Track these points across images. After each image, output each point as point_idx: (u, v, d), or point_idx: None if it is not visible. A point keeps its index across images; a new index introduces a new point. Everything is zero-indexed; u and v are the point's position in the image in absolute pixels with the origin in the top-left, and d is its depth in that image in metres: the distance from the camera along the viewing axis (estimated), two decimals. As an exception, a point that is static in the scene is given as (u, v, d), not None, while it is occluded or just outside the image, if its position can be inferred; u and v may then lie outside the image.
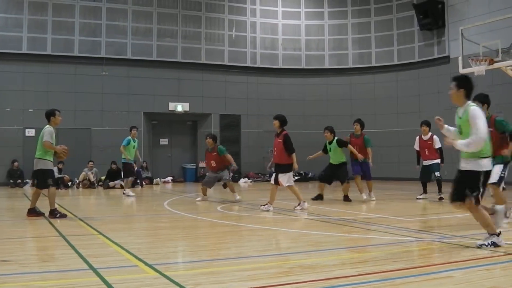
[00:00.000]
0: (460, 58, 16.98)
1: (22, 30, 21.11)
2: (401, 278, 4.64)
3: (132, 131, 15.36)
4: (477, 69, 16.09)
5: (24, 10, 21.14)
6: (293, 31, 25.61)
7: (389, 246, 6.48)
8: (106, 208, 12.83)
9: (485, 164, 5.95)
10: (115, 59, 22.25)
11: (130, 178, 15.66)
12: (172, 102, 23.22)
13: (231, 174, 13.32)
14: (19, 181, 19.83)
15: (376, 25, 24.85)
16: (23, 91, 20.94)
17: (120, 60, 22.37)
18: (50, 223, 8.65)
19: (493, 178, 7.62)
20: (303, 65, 25.45)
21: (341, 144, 12.51)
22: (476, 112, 5.95)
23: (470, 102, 6.15)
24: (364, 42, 25.17)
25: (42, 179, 9.46)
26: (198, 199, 13.32)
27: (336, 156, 12.60)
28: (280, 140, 10.73)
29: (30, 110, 20.88)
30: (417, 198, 12.92)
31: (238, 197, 12.74)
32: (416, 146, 13.18)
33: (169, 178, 23.08)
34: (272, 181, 10.88)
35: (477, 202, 5.98)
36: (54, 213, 9.28)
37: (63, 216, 9.34)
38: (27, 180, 19.96)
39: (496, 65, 15.95)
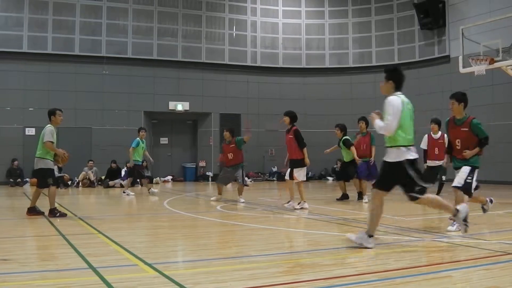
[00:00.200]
0: (460, 58, 16.97)
1: (22, 29, 21.10)
2: (400, 278, 4.64)
3: (141, 132, 15.47)
4: (478, 69, 16.08)
5: (24, 9, 21.14)
6: (293, 30, 25.61)
7: (389, 246, 6.48)
8: (106, 207, 12.83)
9: (403, 153, 5.97)
10: (115, 58, 22.25)
11: (144, 179, 15.76)
12: (172, 101, 23.21)
13: (245, 177, 13.15)
14: (19, 180, 19.83)
15: (377, 24, 24.84)
16: (24, 90, 20.94)
17: (120, 59, 22.37)
18: (50, 222, 8.66)
19: (457, 181, 7.47)
20: (303, 64, 25.44)
21: (346, 144, 12.55)
22: (392, 101, 5.99)
23: (397, 93, 6.13)
24: (365, 41, 25.16)
25: (42, 178, 9.48)
26: (212, 198, 13.07)
27: (346, 153, 12.66)
28: (291, 136, 10.89)
29: (30, 109, 20.88)
30: None
31: (242, 201, 12.49)
32: (424, 145, 12.64)
33: (169, 177, 23.09)
34: (287, 177, 10.97)
35: (423, 192, 6.03)
36: (54, 212, 9.29)
37: (63, 215, 9.35)
38: (27, 179, 19.98)
39: (496, 65, 15.93)
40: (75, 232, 7.65)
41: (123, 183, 17.94)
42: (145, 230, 8.44)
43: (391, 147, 6.05)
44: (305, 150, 10.78)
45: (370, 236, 6.03)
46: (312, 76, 25.35)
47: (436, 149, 12.36)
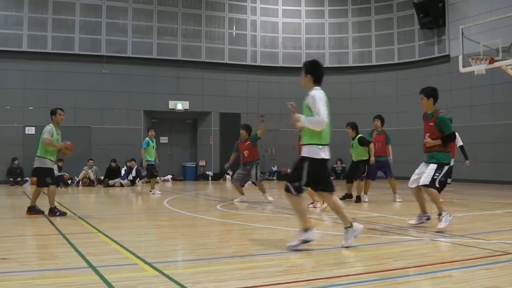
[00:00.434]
0: (460, 57, 16.97)
1: (22, 28, 21.10)
2: (400, 277, 4.64)
3: (150, 132, 15.61)
4: (477, 68, 16.07)
5: (24, 8, 21.13)
6: (293, 29, 25.61)
7: (388, 245, 6.48)
8: (105, 207, 12.83)
9: (313, 151, 5.91)
10: (115, 57, 22.25)
11: (153, 178, 15.83)
12: (172, 100, 23.21)
13: (259, 174, 12.86)
14: (19, 179, 19.83)
15: (377, 23, 24.84)
16: (23, 89, 20.94)
17: (120, 58, 22.37)
18: (50, 221, 8.66)
19: (425, 180, 7.40)
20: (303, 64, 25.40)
21: (363, 143, 12.26)
22: (317, 95, 5.92)
23: (315, 87, 6.07)
24: (365, 40, 25.16)
25: (41, 178, 9.53)
26: (236, 200, 12.50)
27: (357, 153, 12.38)
28: None
29: (30, 108, 20.88)
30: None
31: (270, 198, 12.22)
32: None
33: (169, 177, 23.09)
34: None
35: (298, 191, 5.90)
36: (53, 211, 9.30)
37: (63, 214, 9.35)
38: (27, 178, 19.98)
39: (496, 64, 15.93)
40: (75, 231, 7.65)
41: (122, 183, 17.96)
42: (145, 229, 8.44)
43: (310, 144, 5.95)
44: None
45: (305, 230, 5.96)
46: (312, 75, 25.32)
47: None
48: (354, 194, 12.47)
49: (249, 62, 24.74)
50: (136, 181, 19.86)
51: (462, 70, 16.97)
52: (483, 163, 19.22)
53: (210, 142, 24.03)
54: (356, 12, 25.35)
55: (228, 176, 23.68)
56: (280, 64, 25.24)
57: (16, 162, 20.08)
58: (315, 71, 6.17)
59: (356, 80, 24.96)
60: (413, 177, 7.77)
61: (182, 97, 23.40)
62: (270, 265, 5.22)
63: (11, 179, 19.75)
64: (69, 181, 19.36)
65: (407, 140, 21.10)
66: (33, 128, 20.09)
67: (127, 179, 19.67)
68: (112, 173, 19.76)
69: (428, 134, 7.73)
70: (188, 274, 4.82)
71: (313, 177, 5.91)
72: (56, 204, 9.57)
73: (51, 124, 9.63)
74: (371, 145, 12.25)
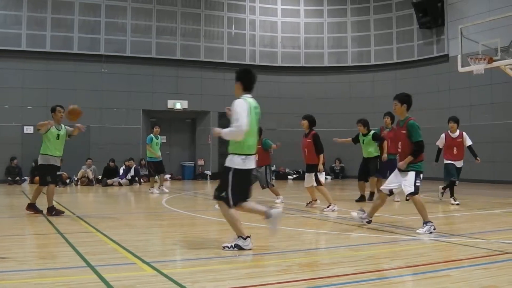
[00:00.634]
0: (459, 57, 16.97)
1: (21, 27, 21.06)
2: (399, 277, 4.65)
3: (155, 129, 15.65)
4: (476, 68, 16.07)
5: (23, 7, 21.10)
6: (292, 29, 25.60)
7: (387, 245, 6.48)
8: (104, 206, 12.83)
9: (236, 161, 5.88)
10: (114, 56, 22.22)
11: (162, 174, 15.89)
12: (171, 100, 23.19)
13: (270, 177, 12.64)
14: (18, 178, 19.81)
15: (376, 23, 24.84)
16: (22, 88, 20.91)
17: (119, 57, 22.33)
18: (48, 220, 8.66)
19: (409, 188, 7.36)
20: (302, 63, 25.44)
21: (378, 139, 12.15)
22: (238, 103, 5.89)
23: (244, 96, 6.04)
24: (364, 40, 25.16)
25: (42, 176, 9.58)
26: (277, 201, 12.17)
27: (368, 149, 12.25)
28: (310, 140, 10.64)
29: (29, 107, 20.85)
30: (452, 204, 11.39)
31: (277, 200, 12.06)
32: (440, 143, 11.96)
33: (168, 176, 23.06)
34: (314, 183, 10.56)
35: (226, 202, 5.94)
36: (50, 211, 9.30)
37: (59, 213, 9.32)
38: (25, 177, 19.98)
39: (495, 64, 15.93)
40: (73, 230, 7.65)
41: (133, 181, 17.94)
42: (144, 228, 8.43)
43: (233, 154, 5.92)
44: (321, 156, 10.50)
45: (244, 238, 5.94)
46: (311, 75, 25.35)
47: (455, 149, 11.71)
48: (367, 193, 12.38)
49: (248, 62, 24.69)
50: (139, 180, 19.90)
51: (461, 69, 16.98)
52: (482, 163, 19.20)
53: (208, 141, 24.01)
54: (355, 11, 25.35)
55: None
56: (279, 63, 25.23)
57: (14, 161, 20.06)
58: (244, 79, 6.14)
59: (355, 79, 24.96)
60: (390, 185, 7.69)
61: (181, 97, 23.38)
62: (268, 264, 5.22)
63: (9, 178, 19.72)
64: (68, 180, 19.35)
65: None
66: (32, 128, 20.04)
67: (126, 179, 19.66)
68: (110, 172, 19.75)
69: (400, 142, 7.70)
70: (186, 274, 4.82)
71: (237, 187, 5.91)
72: (54, 203, 9.57)
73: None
74: (385, 142, 12.10)
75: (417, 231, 7.23)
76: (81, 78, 21.67)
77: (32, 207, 9.56)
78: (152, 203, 12.97)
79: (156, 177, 15.83)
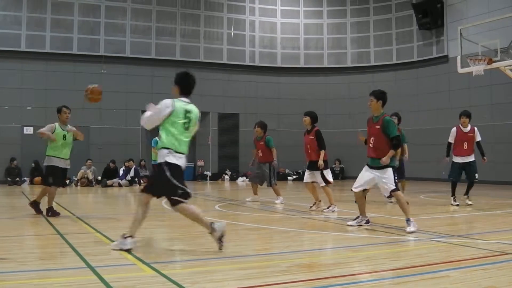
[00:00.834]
0: (458, 58, 16.98)
1: (20, 27, 21.08)
2: (398, 278, 4.64)
3: None
4: (476, 69, 16.09)
5: (23, 8, 21.12)
6: (292, 29, 25.62)
7: (386, 245, 6.48)
8: (104, 206, 12.82)
9: (163, 154, 5.90)
10: (113, 57, 22.24)
11: None
12: (171, 100, 23.18)
13: (275, 175, 12.58)
14: (17, 179, 19.81)
15: (375, 24, 24.86)
16: (22, 88, 20.92)
17: (118, 58, 22.36)
18: (48, 221, 8.65)
19: (390, 185, 7.48)
20: (301, 64, 25.45)
21: (402, 140, 11.76)
22: (163, 102, 5.92)
23: (180, 98, 6.06)
24: (363, 41, 25.18)
25: (45, 177, 9.57)
26: (248, 199, 12.58)
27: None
28: (312, 137, 10.50)
29: (28, 108, 20.86)
30: (452, 204, 11.36)
31: (277, 201, 11.98)
32: (451, 139, 11.55)
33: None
34: (322, 183, 10.37)
35: (184, 197, 5.99)
36: (47, 211, 9.28)
37: (55, 214, 9.25)
38: (25, 178, 19.98)
39: (494, 65, 15.94)
40: (73, 231, 7.65)
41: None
42: (143, 229, 8.39)
43: (160, 148, 5.98)
44: (322, 152, 10.30)
45: (129, 237, 5.94)
46: (311, 75, 25.36)
47: (465, 144, 11.39)
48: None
49: (247, 63, 24.74)
50: (138, 180, 19.91)
51: (460, 70, 16.98)
52: (482, 164, 19.22)
53: (208, 142, 24.02)
54: (354, 12, 25.37)
55: (226, 176, 23.70)
56: (279, 64, 25.25)
57: (14, 162, 20.06)
58: (182, 82, 6.12)
59: (354, 80, 24.97)
60: (361, 183, 7.80)
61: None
62: (268, 265, 5.22)
63: (9, 179, 19.73)
64: (67, 181, 19.31)
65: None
66: (31, 128, 20.05)
67: (125, 179, 19.66)
68: (110, 173, 19.75)
69: (373, 138, 7.76)
70: (186, 274, 4.82)
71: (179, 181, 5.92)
72: (53, 204, 9.56)
73: (56, 123, 9.66)
74: (405, 145, 11.91)
75: (407, 230, 7.28)
76: (80, 78, 21.61)
77: (34, 204, 9.54)
78: (151, 204, 12.93)
79: None
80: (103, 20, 22.30)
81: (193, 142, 24.72)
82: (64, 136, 9.59)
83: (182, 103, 5.99)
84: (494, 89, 19.89)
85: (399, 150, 11.82)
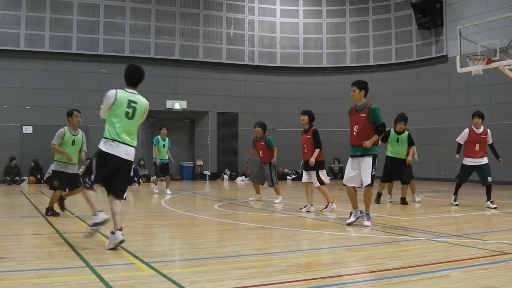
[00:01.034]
0: (458, 57, 16.98)
1: (20, 27, 21.05)
2: (397, 277, 4.64)
3: (162, 130, 15.27)
4: (475, 69, 16.09)
5: (22, 7, 21.09)
6: (291, 29, 25.61)
7: (385, 245, 6.48)
8: (103, 206, 12.79)
9: (100, 143, 6.25)
10: (113, 56, 22.21)
11: (167, 176, 15.86)
12: (170, 100, 23.19)
13: (276, 175, 12.59)
14: (17, 178, 19.80)
15: (374, 23, 24.86)
16: (21, 88, 20.90)
17: (118, 57, 22.31)
18: (47, 220, 8.65)
19: (367, 179, 7.71)
20: (301, 63, 25.45)
21: (411, 142, 11.82)
22: (107, 92, 6.43)
23: (124, 89, 6.54)
24: (362, 40, 25.18)
25: (50, 180, 9.56)
26: (251, 198, 12.60)
27: (402, 150, 11.73)
28: (310, 136, 10.43)
29: (27, 107, 20.84)
30: (452, 204, 11.33)
31: (276, 201, 11.98)
32: (461, 139, 11.23)
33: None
34: (317, 183, 10.28)
35: (91, 187, 6.55)
36: (47, 211, 9.26)
37: (54, 214, 9.24)
38: (24, 178, 19.97)
39: (494, 65, 15.94)
40: (72, 230, 7.65)
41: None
42: (142, 228, 8.43)
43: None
44: (317, 151, 10.19)
45: (118, 230, 6.15)
46: (310, 75, 25.36)
47: (477, 145, 11.08)
48: (385, 193, 12.19)
49: (246, 62, 24.74)
50: (137, 180, 19.91)
51: (459, 70, 16.99)
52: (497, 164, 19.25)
53: (207, 141, 24.03)
54: (354, 12, 25.37)
55: (225, 176, 23.69)
56: (278, 64, 25.24)
57: (13, 161, 20.04)
58: (126, 75, 6.61)
59: (354, 80, 24.76)
60: (351, 175, 8.01)
61: (179, 97, 23.38)
62: (267, 264, 5.22)
63: (8, 178, 19.72)
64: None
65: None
66: (31, 127, 20.05)
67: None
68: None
69: (356, 126, 8.01)
70: (185, 274, 4.82)
71: (98, 168, 6.35)
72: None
73: (65, 127, 9.52)
74: (414, 146, 11.89)
75: (364, 223, 7.75)
76: (79, 78, 21.66)
77: (49, 210, 9.31)
78: (151, 203, 12.96)
79: (155, 177, 15.82)
80: (102, 20, 22.28)
81: (192, 142, 24.74)
82: (73, 141, 9.50)
83: (126, 93, 6.43)
84: (493, 89, 19.89)
85: (413, 148, 11.90)
